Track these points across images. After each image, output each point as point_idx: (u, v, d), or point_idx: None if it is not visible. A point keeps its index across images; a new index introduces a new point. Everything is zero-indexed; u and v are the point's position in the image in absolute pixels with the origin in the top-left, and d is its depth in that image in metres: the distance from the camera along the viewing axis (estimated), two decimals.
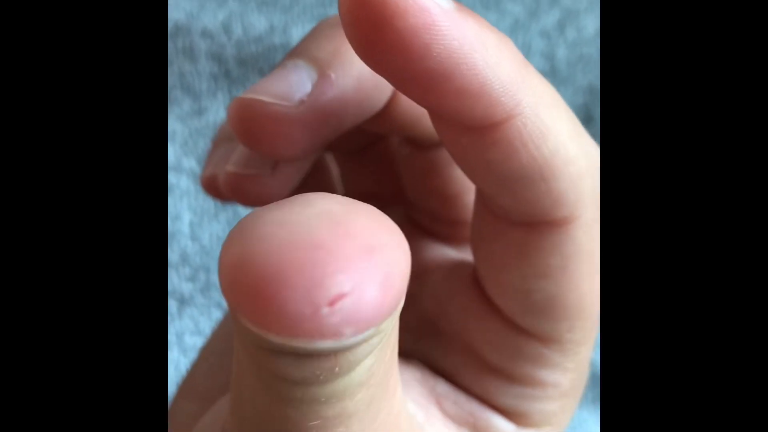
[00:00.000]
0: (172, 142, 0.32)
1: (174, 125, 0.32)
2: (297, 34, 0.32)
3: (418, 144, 0.17)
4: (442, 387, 0.16)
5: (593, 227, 0.14)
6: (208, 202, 0.33)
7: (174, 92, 0.32)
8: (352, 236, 0.10)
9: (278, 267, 0.09)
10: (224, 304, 0.33)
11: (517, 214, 0.14)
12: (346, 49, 0.14)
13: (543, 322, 0.15)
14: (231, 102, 0.14)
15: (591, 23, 0.34)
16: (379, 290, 0.10)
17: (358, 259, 0.10)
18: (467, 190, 0.17)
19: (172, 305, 0.32)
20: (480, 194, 0.15)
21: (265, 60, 0.32)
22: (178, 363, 0.32)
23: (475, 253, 0.16)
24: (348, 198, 0.10)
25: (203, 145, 0.33)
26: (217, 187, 0.16)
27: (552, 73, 0.33)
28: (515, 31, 0.32)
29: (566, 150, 0.13)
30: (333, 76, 0.14)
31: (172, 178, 0.32)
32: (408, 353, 0.16)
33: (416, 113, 0.16)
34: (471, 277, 0.16)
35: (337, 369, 0.11)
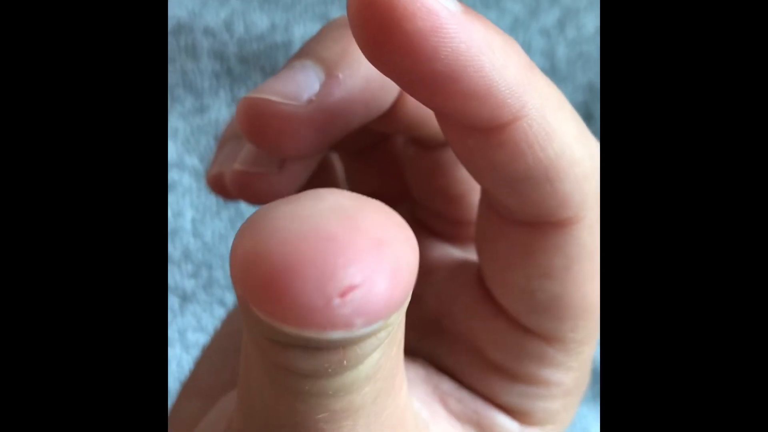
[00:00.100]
0: (175, 139, 0.32)
1: (176, 123, 0.32)
2: (299, 32, 0.32)
3: (424, 144, 0.17)
4: (447, 385, 0.16)
5: (596, 228, 0.14)
6: (210, 200, 0.33)
7: (176, 90, 0.32)
8: (363, 230, 0.10)
9: (291, 259, 0.10)
10: (227, 300, 0.33)
11: (522, 215, 0.14)
12: (353, 50, 0.14)
13: (547, 322, 0.15)
14: (239, 101, 0.14)
15: (591, 21, 0.34)
16: (389, 282, 0.10)
17: (368, 252, 0.10)
18: (472, 190, 0.17)
19: (174, 302, 0.32)
20: (485, 194, 0.15)
21: (267, 58, 0.32)
22: (181, 360, 0.32)
23: (479, 252, 0.16)
24: (358, 194, 0.11)
25: (205, 142, 0.33)
26: (223, 186, 0.16)
27: (552, 72, 0.33)
28: (515, 30, 0.32)
29: (572, 151, 0.13)
30: (341, 76, 0.14)
31: (174, 175, 0.32)
32: (412, 352, 0.17)
33: (422, 114, 0.16)
34: (475, 277, 0.16)
35: (345, 362, 0.11)
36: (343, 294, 0.10)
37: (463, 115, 0.12)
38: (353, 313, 0.10)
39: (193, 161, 0.33)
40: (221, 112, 0.33)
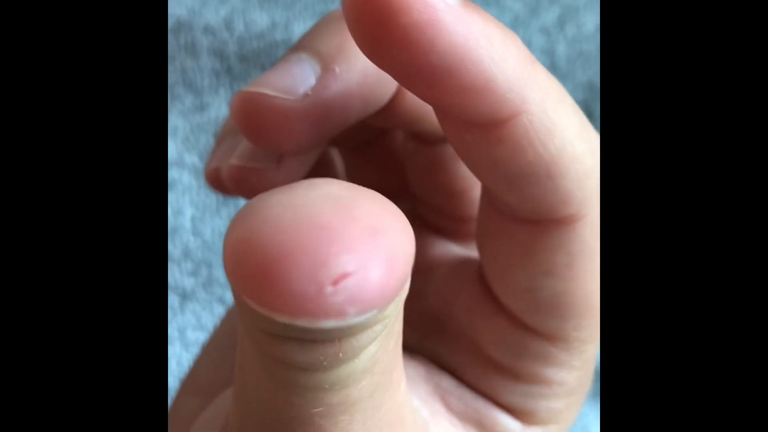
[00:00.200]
0: (174, 137, 0.32)
1: (176, 121, 0.32)
2: (299, 30, 0.32)
3: (424, 139, 0.17)
4: (448, 383, 0.16)
5: (598, 225, 0.14)
6: (210, 198, 0.33)
7: (176, 88, 0.32)
8: (357, 218, 0.10)
9: (283, 247, 0.10)
10: (226, 299, 0.33)
11: (523, 212, 0.14)
12: (350, 44, 0.14)
13: (549, 320, 0.15)
14: (234, 95, 0.14)
15: (591, 20, 0.34)
16: (383, 271, 0.10)
17: (362, 240, 0.10)
18: (473, 186, 0.17)
19: (174, 300, 0.32)
20: (485, 191, 0.15)
21: (267, 56, 0.32)
22: (180, 358, 0.32)
23: (480, 250, 0.16)
24: (352, 183, 0.11)
25: (205, 140, 0.33)
26: (221, 181, 0.16)
27: (552, 70, 0.33)
28: (515, 28, 0.32)
29: (573, 147, 0.13)
30: (337, 70, 0.14)
31: (174, 173, 0.32)
32: (413, 349, 0.16)
33: (421, 108, 0.16)
34: (476, 274, 0.16)
35: (341, 354, 0.11)
36: (335, 282, 0.09)
37: (462, 110, 0.12)
38: (346, 301, 0.10)
39: (192, 159, 0.33)
40: (221, 110, 0.33)
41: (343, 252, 0.10)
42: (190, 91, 0.32)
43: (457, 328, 0.16)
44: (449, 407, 0.16)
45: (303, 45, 0.15)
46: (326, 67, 0.14)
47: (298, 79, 0.14)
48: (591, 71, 0.34)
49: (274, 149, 0.15)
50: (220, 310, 0.33)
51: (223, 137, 0.17)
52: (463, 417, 0.16)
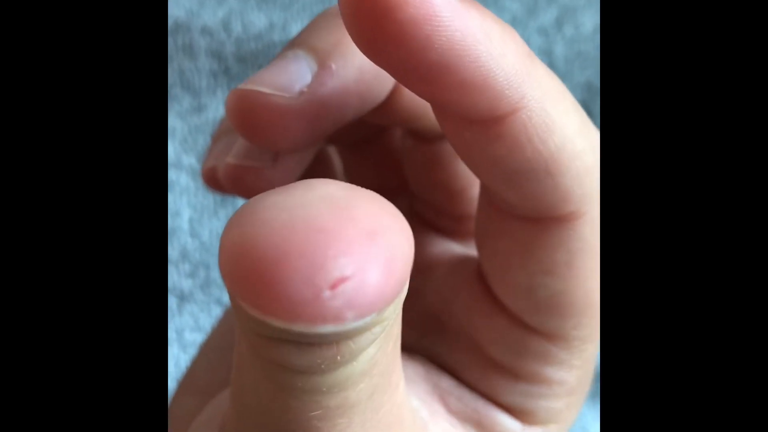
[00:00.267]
0: (172, 139, 0.32)
1: (173, 122, 0.32)
2: (296, 31, 0.32)
3: (422, 137, 0.17)
4: (447, 383, 0.16)
5: (597, 223, 0.14)
6: (208, 199, 0.33)
7: (174, 89, 0.32)
8: (355, 220, 0.10)
9: (279, 250, 0.09)
10: (224, 300, 0.33)
11: (523, 210, 0.14)
12: (347, 40, 0.14)
13: (549, 319, 0.14)
14: (229, 93, 0.14)
15: (589, 20, 0.34)
16: (382, 274, 0.10)
17: (360, 242, 0.10)
18: (472, 184, 0.17)
19: (171, 302, 0.32)
20: (484, 189, 0.15)
21: (265, 57, 0.33)
22: (178, 359, 0.32)
23: (479, 249, 0.15)
24: (350, 184, 0.10)
25: (203, 142, 0.33)
26: (217, 180, 0.16)
27: None
28: (513, 28, 0.32)
29: (573, 144, 0.13)
30: (334, 66, 0.14)
31: (171, 174, 0.32)
32: (412, 349, 0.16)
33: (419, 105, 0.15)
34: (476, 273, 0.16)
35: (339, 357, 0.10)
36: (333, 286, 0.09)
37: (460, 107, 0.12)
38: (344, 305, 0.09)
39: (190, 161, 0.33)
40: (219, 111, 0.33)
41: (340, 255, 0.09)
42: (187, 93, 0.32)
43: (457, 327, 0.16)
44: (448, 407, 0.16)
45: (299, 42, 0.15)
46: (322, 63, 0.14)
47: (294, 76, 0.14)
48: (589, 71, 0.34)
49: (271, 147, 0.15)
50: (217, 312, 0.33)
51: (219, 136, 0.17)
52: (463, 417, 0.16)
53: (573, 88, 0.33)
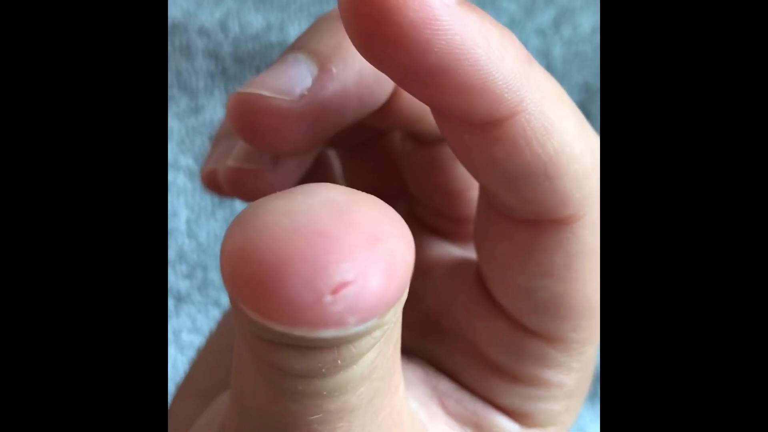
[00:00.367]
0: (169, 139, 0.32)
1: (171, 123, 0.32)
2: (294, 31, 0.32)
3: (422, 140, 0.17)
4: (446, 386, 0.16)
5: (597, 225, 0.14)
6: (205, 200, 0.33)
7: (171, 90, 0.32)
8: (356, 225, 0.10)
9: (281, 255, 0.09)
10: (222, 301, 0.33)
11: (522, 213, 0.14)
12: (347, 44, 0.14)
13: (547, 322, 0.14)
14: (230, 96, 0.14)
15: (586, 21, 0.34)
16: (383, 279, 0.10)
17: (361, 247, 0.10)
18: (471, 186, 0.17)
19: (169, 303, 0.32)
20: (483, 192, 0.15)
21: (262, 58, 0.32)
22: (176, 361, 0.32)
23: (478, 251, 0.15)
24: (351, 188, 0.10)
25: (200, 143, 0.33)
26: (217, 183, 0.16)
27: (547, 71, 0.33)
28: (511, 29, 0.32)
29: (572, 148, 0.13)
30: (334, 70, 0.14)
31: (169, 175, 0.32)
32: (411, 352, 0.16)
33: (419, 109, 0.15)
34: (474, 275, 0.16)
35: (339, 361, 0.10)
36: (334, 291, 0.09)
37: (459, 110, 0.12)
38: (345, 310, 0.09)
39: (188, 162, 0.33)
40: (216, 112, 0.33)
41: (342, 260, 0.09)
42: (185, 93, 0.32)
43: (455, 330, 0.16)
44: (447, 410, 0.16)
45: (299, 45, 0.15)
46: (323, 67, 0.14)
47: (295, 79, 0.14)
48: (587, 72, 0.34)
49: (271, 150, 0.15)
50: (215, 313, 0.33)
51: (219, 139, 0.17)
52: (461, 419, 0.16)
53: (571, 89, 0.33)
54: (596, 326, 0.15)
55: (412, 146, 0.17)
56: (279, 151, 0.14)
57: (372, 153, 0.18)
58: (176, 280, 0.32)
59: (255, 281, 0.09)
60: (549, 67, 0.33)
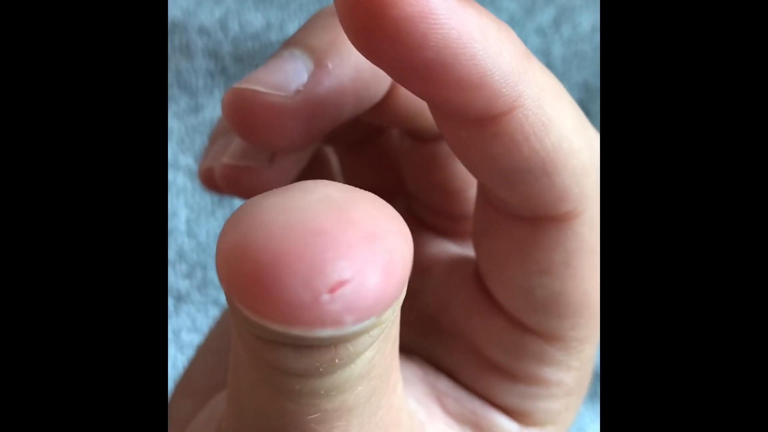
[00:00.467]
0: (169, 139, 0.32)
1: (171, 122, 0.32)
2: (293, 30, 0.32)
3: (419, 137, 0.17)
4: (444, 384, 0.16)
5: (597, 222, 0.14)
6: (205, 199, 0.33)
7: (171, 89, 0.32)
8: (354, 223, 0.10)
9: (277, 253, 0.09)
10: (221, 301, 0.33)
11: (520, 209, 0.14)
12: (343, 39, 0.14)
13: (546, 320, 0.14)
14: (226, 92, 0.14)
15: (586, 20, 0.34)
16: (381, 277, 0.09)
17: (359, 245, 0.09)
18: (469, 184, 0.17)
19: (169, 302, 0.32)
20: (482, 188, 0.15)
21: (262, 57, 0.33)
22: (175, 360, 0.32)
23: (476, 249, 0.15)
24: (349, 185, 0.10)
25: (200, 142, 0.33)
26: (214, 181, 0.16)
27: None
28: (509, 27, 0.32)
29: (570, 143, 0.13)
30: (330, 65, 0.14)
31: (169, 175, 0.32)
32: (409, 350, 0.16)
33: (416, 105, 0.15)
34: (473, 273, 0.16)
35: (337, 360, 0.10)
36: (332, 289, 0.09)
37: (456, 106, 0.12)
38: (343, 309, 0.09)
39: (187, 161, 0.33)
40: (216, 111, 0.33)
41: (339, 258, 0.09)
42: (184, 93, 0.32)
43: (454, 328, 0.16)
44: (446, 409, 0.16)
45: (295, 41, 0.14)
46: (319, 63, 0.14)
47: (291, 75, 0.14)
48: (587, 71, 0.34)
49: (267, 147, 0.14)
50: (214, 312, 0.33)
51: (216, 136, 0.17)
52: (460, 418, 0.16)
53: (570, 88, 0.33)
54: (595, 324, 0.15)
55: (409, 143, 0.17)
56: (275, 147, 0.14)
57: (370, 150, 0.18)
58: (176, 279, 0.32)
59: (251, 280, 0.09)
60: (549, 66, 0.33)
